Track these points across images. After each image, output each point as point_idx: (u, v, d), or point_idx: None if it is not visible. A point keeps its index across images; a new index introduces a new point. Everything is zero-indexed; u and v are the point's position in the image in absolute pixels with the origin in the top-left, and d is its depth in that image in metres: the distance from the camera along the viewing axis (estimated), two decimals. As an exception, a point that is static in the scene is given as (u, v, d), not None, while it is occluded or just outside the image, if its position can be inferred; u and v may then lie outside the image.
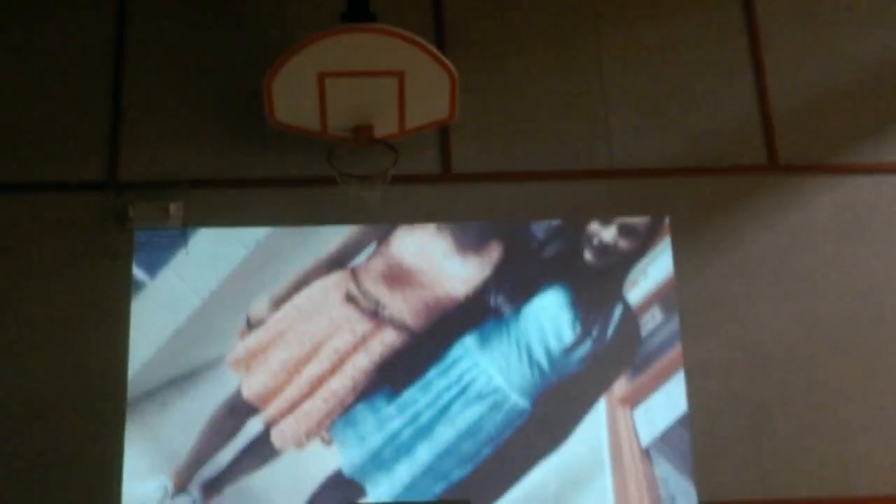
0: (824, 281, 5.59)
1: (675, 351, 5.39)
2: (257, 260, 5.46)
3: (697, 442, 5.28)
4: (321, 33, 5.03)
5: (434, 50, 5.16)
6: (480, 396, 5.31)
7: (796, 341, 5.49)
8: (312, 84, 5.13)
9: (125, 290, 5.41)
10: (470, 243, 5.52)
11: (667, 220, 5.60)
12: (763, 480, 5.26)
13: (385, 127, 5.31)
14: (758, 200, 5.71)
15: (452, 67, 5.17)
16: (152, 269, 5.43)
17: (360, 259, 5.50)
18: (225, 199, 5.58)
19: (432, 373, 5.33)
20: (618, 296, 5.48)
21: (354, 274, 5.47)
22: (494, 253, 5.52)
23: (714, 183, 5.73)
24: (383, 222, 5.56)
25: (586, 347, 5.39)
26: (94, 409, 5.25)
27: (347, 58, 5.06)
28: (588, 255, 5.54)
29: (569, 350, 5.38)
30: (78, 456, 5.19)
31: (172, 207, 5.46)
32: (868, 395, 5.42)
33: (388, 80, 5.15)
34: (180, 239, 5.48)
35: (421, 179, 5.68)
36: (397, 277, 5.47)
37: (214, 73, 5.81)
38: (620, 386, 5.35)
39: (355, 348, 5.35)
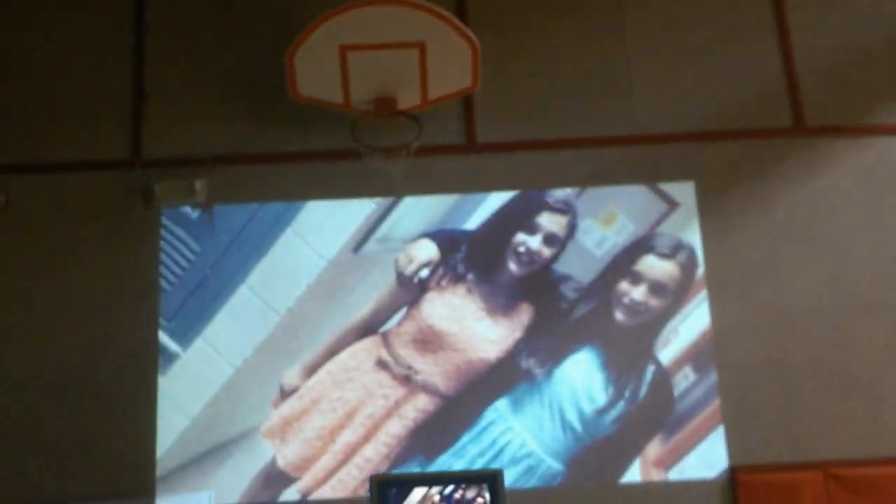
0: (851, 244, 5.62)
1: (712, 409, 5.39)
2: (289, 327, 5.47)
3: (728, 406, 5.34)
4: (343, 6, 5.05)
5: (456, 20, 5.19)
6: (514, 461, 5.32)
7: (824, 305, 5.53)
8: (334, 57, 5.16)
9: (152, 267, 5.48)
10: (500, 305, 5.51)
11: (699, 272, 5.56)
12: (793, 444, 5.33)
13: (408, 99, 5.33)
14: (783, 163, 5.72)
15: (474, 37, 5.19)
16: (185, 339, 5.45)
17: (391, 324, 5.49)
18: (250, 174, 5.62)
19: (465, 438, 5.35)
20: (650, 355, 5.46)
21: (386, 339, 5.47)
22: (525, 315, 5.51)
23: (739, 147, 5.74)
24: (407, 194, 5.60)
25: (619, 408, 5.39)
26: (125, 384, 5.33)
27: (369, 30, 5.09)
28: (619, 315, 5.51)
29: (601, 412, 5.38)
30: (110, 432, 5.27)
31: (198, 184, 5.48)
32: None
33: (410, 51, 5.17)
34: (207, 219, 5.53)
35: (444, 150, 5.69)
36: (429, 341, 5.47)
37: (236, 48, 5.81)
38: (654, 447, 5.35)
39: (388, 414, 5.37)
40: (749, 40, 5.92)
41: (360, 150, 5.36)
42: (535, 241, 5.58)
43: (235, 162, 5.64)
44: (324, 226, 5.59)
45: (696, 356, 5.47)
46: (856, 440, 5.35)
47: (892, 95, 5.83)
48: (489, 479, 4.24)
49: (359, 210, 5.61)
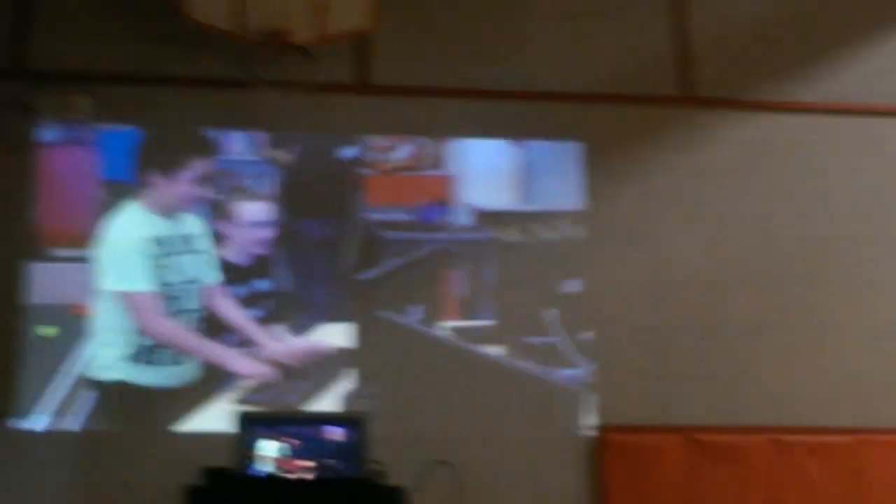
0: (729, 214, 5.73)
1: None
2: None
3: (601, 364, 5.42)
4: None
5: None
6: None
7: (698, 271, 5.64)
8: None
9: (27, 181, 5.27)
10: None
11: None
12: (662, 406, 5.44)
13: (303, 33, 5.16)
14: (671, 131, 5.79)
15: None
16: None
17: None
18: (135, 96, 5.43)
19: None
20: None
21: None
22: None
23: (629, 112, 5.78)
24: (295, 131, 5.51)
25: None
26: None
27: None
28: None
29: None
30: None
31: (80, 100, 5.27)
32: (765, 327, 5.62)
33: None
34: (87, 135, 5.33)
35: (336, 89, 5.58)
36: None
37: None
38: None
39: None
40: (645, 5, 5.93)
41: (249, 81, 5.22)
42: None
43: (121, 81, 5.43)
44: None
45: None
46: (722, 407, 5.48)
47: (784, 72, 5.94)
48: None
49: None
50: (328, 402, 5.29)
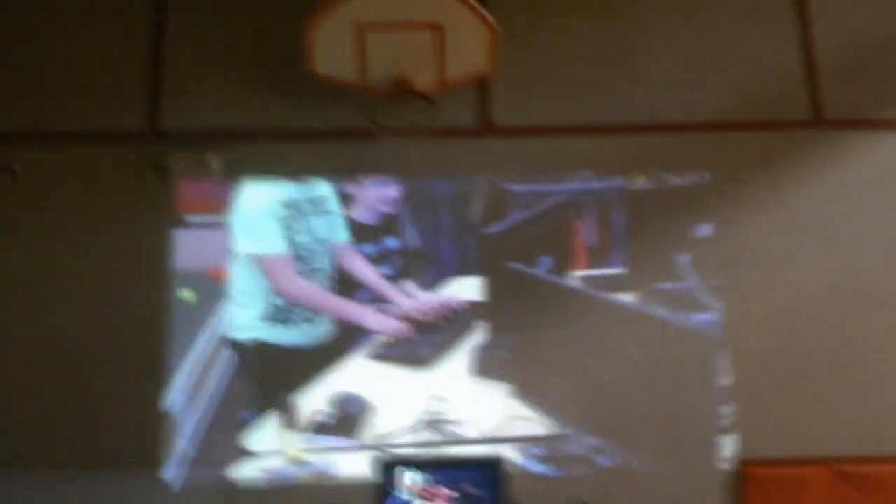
0: (864, 238, 5.59)
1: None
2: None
3: (739, 399, 5.33)
4: (362, -16, 5.02)
5: (473, 2, 5.17)
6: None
7: (837, 298, 5.51)
8: (351, 35, 5.15)
9: (166, 241, 5.48)
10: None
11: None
12: (802, 438, 5.33)
13: (424, 80, 5.31)
14: (800, 156, 5.68)
15: (492, 19, 5.19)
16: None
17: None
18: (263, 150, 5.60)
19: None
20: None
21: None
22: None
23: (757, 138, 5.69)
24: (421, 176, 5.60)
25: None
26: (137, 359, 5.33)
27: (387, 9, 5.09)
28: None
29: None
30: (122, 406, 5.28)
31: (212, 158, 5.49)
32: None
33: (427, 33, 5.16)
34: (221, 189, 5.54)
35: (459, 133, 5.67)
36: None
37: (253, 22, 5.77)
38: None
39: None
40: (770, 28, 5.85)
41: (375, 130, 5.36)
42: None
43: (250, 137, 5.62)
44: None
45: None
46: (864, 435, 5.34)
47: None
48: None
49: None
50: (460, 356, 5.41)
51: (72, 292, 5.41)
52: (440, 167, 5.63)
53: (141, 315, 5.37)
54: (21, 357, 5.34)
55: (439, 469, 4.35)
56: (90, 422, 5.25)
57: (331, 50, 5.19)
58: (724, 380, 5.36)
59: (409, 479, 4.31)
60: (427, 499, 4.27)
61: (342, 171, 5.60)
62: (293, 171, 5.60)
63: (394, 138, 5.40)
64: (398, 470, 4.33)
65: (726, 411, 5.33)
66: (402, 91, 5.27)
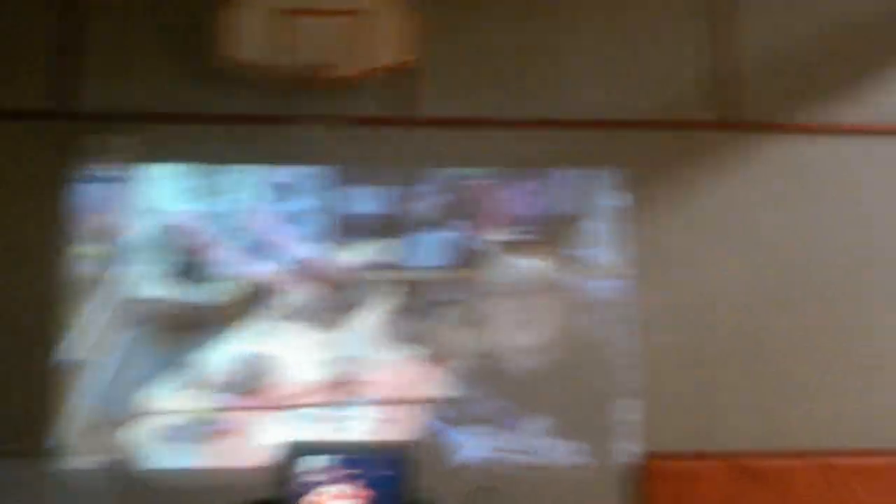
0: (773, 239, 5.72)
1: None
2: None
3: (647, 393, 5.44)
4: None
5: None
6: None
7: (743, 297, 5.64)
8: (270, 20, 5.11)
9: (65, 196, 5.39)
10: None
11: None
12: (708, 433, 5.46)
13: (345, 67, 5.28)
14: (712, 157, 5.78)
15: (416, 7, 5.20)
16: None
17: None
18: (177, 134, 5.53)
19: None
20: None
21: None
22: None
23: (668, 137, 5.78)
24: (338, 163, 5.56)
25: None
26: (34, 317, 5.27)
27: None
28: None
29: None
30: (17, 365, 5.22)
31: (124, 140, 5.41)
32: (810, 350, 5.62)
33: (351, 19, 5.15)
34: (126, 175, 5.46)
35: (379, 122, 5.64)
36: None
37: (169, 6, 5.67)
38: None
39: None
40: (686, 28, 5.92)
41: (295, 118, 5.34)
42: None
43: (163, 120, 5.54)
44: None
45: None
46: (769, 432, 5.51)
47: (825, 94, 5.90)
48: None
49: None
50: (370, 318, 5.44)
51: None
52: (360, 156, 5.60)
53: (38, 272, 5.31)
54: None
55: (345, 454, 4.36)
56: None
57: (247, 34, 5.15)
58: (632, 374, 5.47)
59: (314, 464, 4.31)
60: (331, 484, 4.27)
61: (259, 158, 5.56)
62: (208, 156, 5.54)
63: (313, 126, 5.37)
64: (303, 456, 4.34)
65: (633, 405, 5.43)
66: (321, 77, 5.25)
